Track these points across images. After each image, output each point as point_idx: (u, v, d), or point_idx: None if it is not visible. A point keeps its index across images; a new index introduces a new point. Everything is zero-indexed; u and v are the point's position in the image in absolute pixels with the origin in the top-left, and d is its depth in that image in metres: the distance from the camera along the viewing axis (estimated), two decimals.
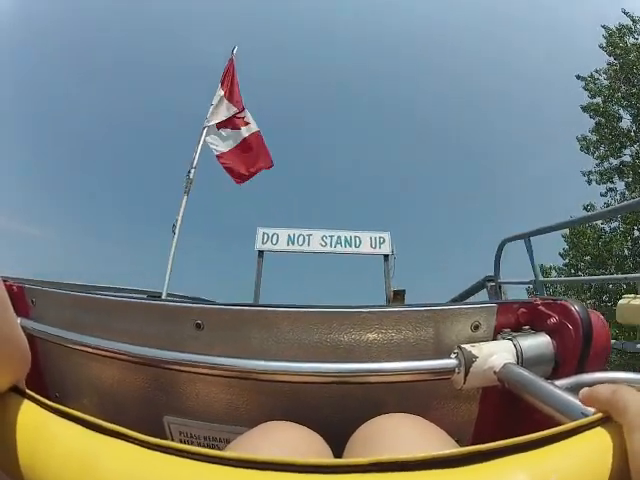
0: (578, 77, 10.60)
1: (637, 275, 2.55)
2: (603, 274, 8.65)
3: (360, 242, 5.01)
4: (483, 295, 3.41)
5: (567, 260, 10.06)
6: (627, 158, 9.91)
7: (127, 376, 0.63)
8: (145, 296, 2.98)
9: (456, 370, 0.50)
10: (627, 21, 10.01)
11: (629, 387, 0.27)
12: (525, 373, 0.46)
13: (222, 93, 4.01)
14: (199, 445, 0.62)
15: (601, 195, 9.98)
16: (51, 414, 0.29)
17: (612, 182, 9.97)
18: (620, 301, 2.09)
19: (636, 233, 9.40)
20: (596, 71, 10.37)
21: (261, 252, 4.83)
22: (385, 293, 4.80)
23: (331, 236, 5.02)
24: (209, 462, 0.24)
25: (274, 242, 4.89)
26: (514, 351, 0.51)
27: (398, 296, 4.61)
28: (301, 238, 4.97)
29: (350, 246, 5.00)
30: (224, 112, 4.02)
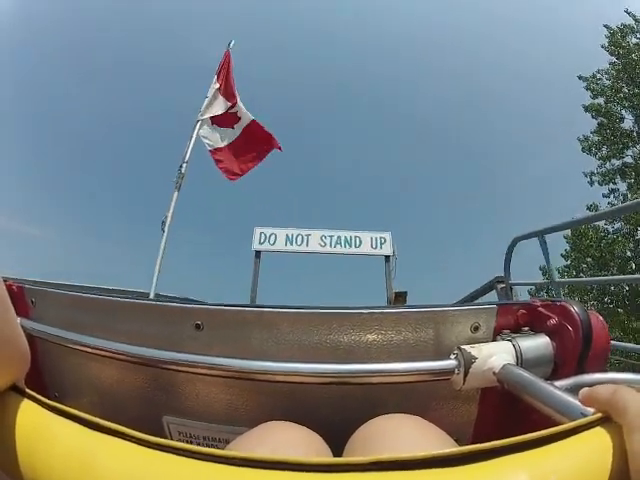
0: (580, 77, 10.58)
1: None
2: (605, 276, 8.62)
3: (360, 242, 4.94)
4: (492, 297, 3.18)
5: (569, 262, 10.03)
6: (629, 159, 9.88)
7: (126, 376, 0.64)
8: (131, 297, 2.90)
9: (456, 371, 0.50)
10: (629, 21, 9.99)
11: (629, 388, 0.27)
12: (525, 374, 0.46)
13: (217, 86, 3.92)
14: (198, 445, 0.62)
15: (604, 196, 9.96)
16: (51, 413, 0.29)
17: (614, 183, 9.94)
18: None
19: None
20: (598, 71, 10.35)
21: (258, 252, 4.76)
22: (386, 295, 4.76)
23: (330, 236, 4.95)
24: (208, 461, 0.24)
25: (272, 242, 4.82)
26: (513, 352, 0.51)
27: (400, 298, 4.54)
28: (299, 238, 4.90)
29: (350, 246, 4.92)
30: (219, 106, 3.91)
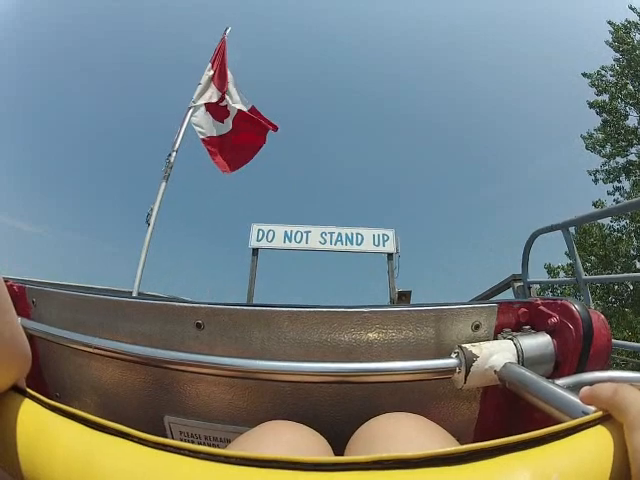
0: (584, 75, 10.50)
1: None
2: (609, 274, 8.54)
3: (362, 239, 4.77)
4: (509, 296, 2.97)
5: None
6: (633, 157, 9.79)
7: (128, 376, 0.64)
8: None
9: (457, 370, 0.50)
10: (634, 17, 9.90)
11: (630, 386, 0.27)
12: (526, 372, 0.46)
13: (211, 73, 3.80)
14: (200, 445, 0.63)
15: (608, 193, 9.89)
16: (52, 413, 0.29)
17: (619, 181, 9.87)
18: None
19: None
20: (602, 68, 10.27)
21: (255, 250, 4.61)
22: (389, 294, 4.68)
23: (331, 233, 4.78)
24: (210, 460, 0.24)
25: (270, 239, 4.67)
26: (515, 351, 0.51)
27: (403, 297, 4.41)
28: (299, 235, 4.74)
29: (351, 244, 4.75)
30: (213, 93, 3.76)
